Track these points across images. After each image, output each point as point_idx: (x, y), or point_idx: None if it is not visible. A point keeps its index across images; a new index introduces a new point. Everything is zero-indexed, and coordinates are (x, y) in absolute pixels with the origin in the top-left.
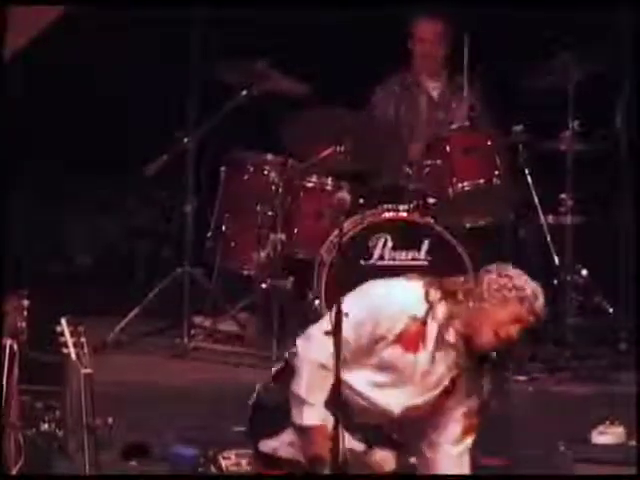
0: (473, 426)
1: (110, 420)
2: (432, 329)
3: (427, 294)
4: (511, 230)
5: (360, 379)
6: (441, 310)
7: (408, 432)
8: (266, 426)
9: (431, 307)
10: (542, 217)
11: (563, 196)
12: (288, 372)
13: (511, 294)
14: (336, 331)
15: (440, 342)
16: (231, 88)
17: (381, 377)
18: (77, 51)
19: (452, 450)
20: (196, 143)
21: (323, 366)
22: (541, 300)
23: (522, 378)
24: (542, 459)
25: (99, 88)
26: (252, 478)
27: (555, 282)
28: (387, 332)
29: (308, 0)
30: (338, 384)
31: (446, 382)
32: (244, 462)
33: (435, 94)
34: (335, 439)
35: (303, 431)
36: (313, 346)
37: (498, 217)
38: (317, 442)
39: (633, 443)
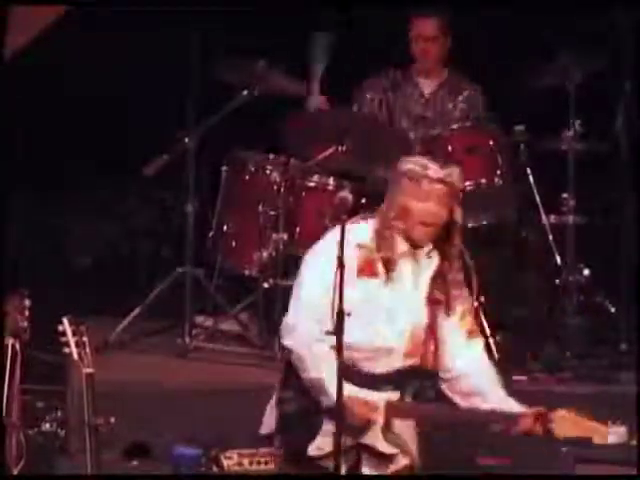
0: (476, 325)
1: (112, 420)
2: (383, 252)
3: (363, 227)
4: (513, 230)
5: (358, 334)
6: (376, 231)
7: (428, 365)
8: (302, 434)
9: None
10: (544, 217)
11: (565, 196)
12: (293, 376)
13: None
14: (338, 331)
15: (392, 260)
16: (231, 88)
17: (370, 317)
18: (77, 51)
19: (467, 352)
20: (197, 143)
21: (318, 340)
22: (459, 184)
23: (522, 378)
24: (543, 459)
25: (99, 88)
26: (253, 478)
27: (557, 282)
28: (349, 271)
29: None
30: (340, 384)
31: (425, 293)
32: (246, 462)
33: (427, 92)
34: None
35: (339, 409)
36: (298, 332)
37: (500, 217)
38: (358, 409)
39: (635, 443)
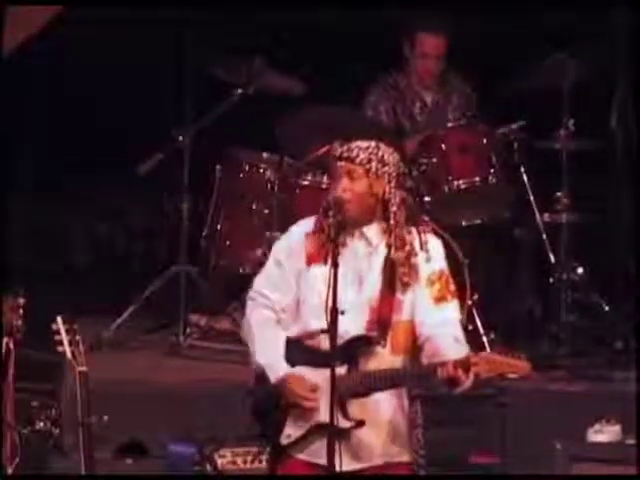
0: (443, 290)
1: (106, 418)
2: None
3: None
4: (507, 228)
5: (317, 321)
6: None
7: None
8: (275, 423)
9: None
10: (538, 215)
11: (559, 194)
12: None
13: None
14: (332, 329)
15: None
16: (228, 86)
17: (322, 301)
18: (76, 51)
19: (434, 316)
20: (192, 141)
21: (258, 323)
22: (360, 160)
23: (517, 376)
24: (538, 457)
25: (98, 87)
26: (249, 477)
27: (551, 280)
28: (299, 260)
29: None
30: (334, 389)
31: (380, 270)
32: (239, 460)
33: (429, 101)
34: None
35: (281, 386)
36: (245, 326)
37: (494, 215)
38: (294, 386)
39: (629, 441)
